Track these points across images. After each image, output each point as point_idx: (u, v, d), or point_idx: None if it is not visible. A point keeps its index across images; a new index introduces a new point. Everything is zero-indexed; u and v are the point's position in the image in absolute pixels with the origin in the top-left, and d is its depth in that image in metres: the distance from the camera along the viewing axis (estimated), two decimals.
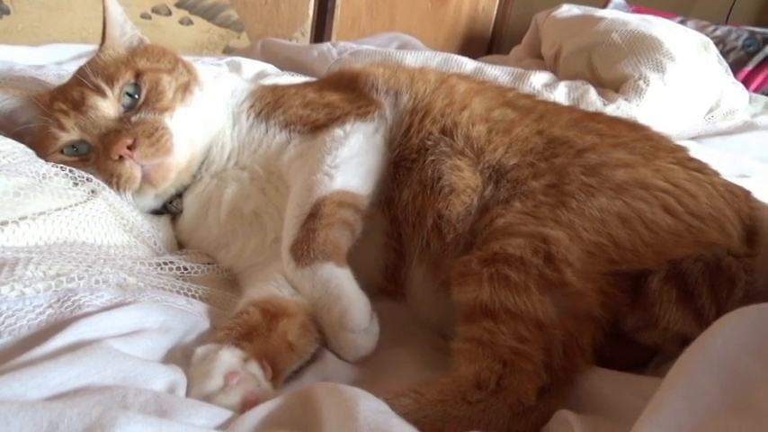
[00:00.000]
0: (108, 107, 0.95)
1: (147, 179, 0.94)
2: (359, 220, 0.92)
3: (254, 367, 0.69)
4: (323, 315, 0.81)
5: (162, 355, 0.70)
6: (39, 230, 0.81)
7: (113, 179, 0.93)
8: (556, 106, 1.10)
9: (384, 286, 0.97)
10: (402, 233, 0.95)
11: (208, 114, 1.04)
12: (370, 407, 0.56)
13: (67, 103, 0.95)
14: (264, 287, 0.85)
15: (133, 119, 0.94)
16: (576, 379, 0.72)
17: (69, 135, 0.94)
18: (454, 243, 0.88)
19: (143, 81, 0.98)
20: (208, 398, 0.63)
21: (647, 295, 0.77)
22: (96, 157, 0.94)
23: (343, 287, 0.81)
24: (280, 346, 0.75)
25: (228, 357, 0.68)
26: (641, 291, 0.77)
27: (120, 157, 0.91)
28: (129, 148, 0.90)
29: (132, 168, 0.92)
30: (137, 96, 0.97)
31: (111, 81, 0.96)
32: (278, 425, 0.57)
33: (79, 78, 0.98)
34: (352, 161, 0.93)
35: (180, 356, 0.71)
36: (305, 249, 0.84)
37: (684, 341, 0.75)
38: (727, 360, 0.54)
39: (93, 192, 0.91)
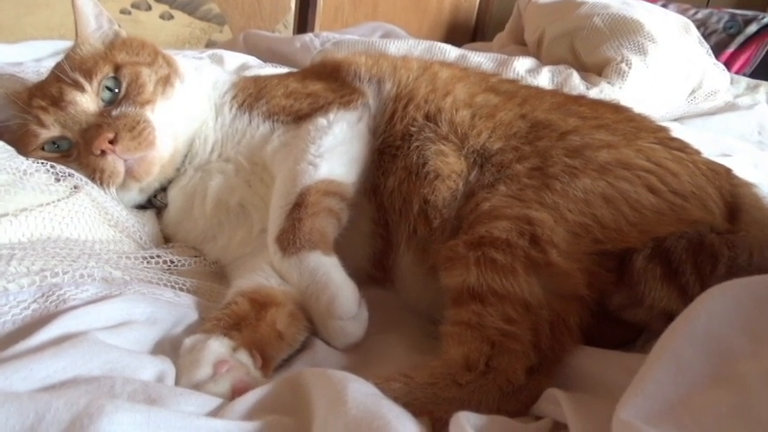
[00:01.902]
0: (87, 102, 0.94)
1: (130, 173, 0.93)
2: (345, 209, 0.91)
3: (243, 356, 0.69)
4: (311, 303, 0.81)
5: (150, 347, 0.69)
6: (21, 227, 0.80)
7: (96, 174, 0.92)
8: (538, 90, 1.11)
9: (372, 273, 0.97)
10: (389, 220, 0.95)
11: (190, 107, 1.03)
12: (360, 390, 0.56)
13: (46, 99, 0.93)
14: (252, 277, 0.85)
15: (114, 113, 0.93)
16: (564, 358, 0.73)
17: (49, 132, 0.93)
18: (441, 228, 0.88)
19: (122, 74, 0.97)
20: (197, 386, 0.63)
21: (633, 274, 0.77)
22: (78, 152, 0.93)
23: (330, 275, 0.81)
24: (269, 335, 0.75)
25: (217, 346, 0.68)
26: (626, 269, 0.78)
27: (103, 152, 0.90)
28: (111, 142, 0.89)
29: (115, 163, 0.91)
30: (116, 90, 0.96)
31: (89, 75, 0.95)
32: (268, 410, 0.57)
33: (57, 74, 0.96)
34: (336, 150, 0.93)
35: (168, 348, 0.70)
36: (291, 239, 0.84)
37: (670, 318, 0.76)
38: (711, 333, 0.54)
39: (75, 187, 0.90)
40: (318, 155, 0.91)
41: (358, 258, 0.95)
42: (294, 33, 2.86)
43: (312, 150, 0.92)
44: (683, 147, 0.92)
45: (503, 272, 0.73)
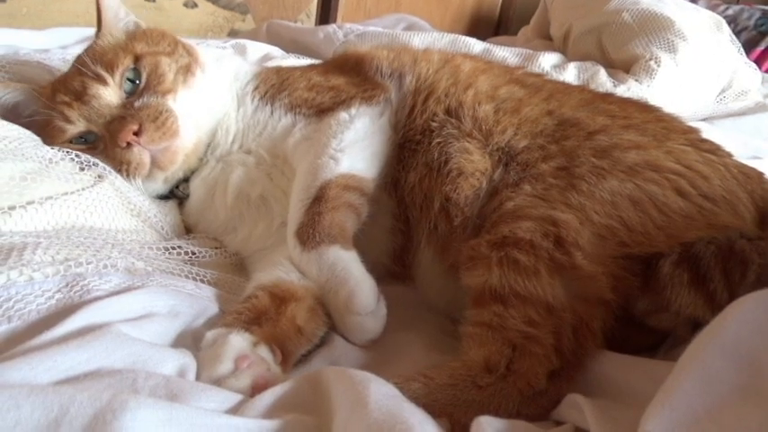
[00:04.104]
0: (110, 95, 0.94)
1: (155, 163, 0.93)
2: (365, 204, 0.91)
3: (263, 351, 0.69)
4: (330, 298, 0.81)
5: (171, 340, 0.70)
6: (46, 215, 0.81)
7: (123, 166, 0.92)
8: (565, 86, 1.09)
9: (391, 269, 0.97)
10: (409, 216, 0.95)
11: (211, 96, 1.03)
12: (381, 391, 0.56)
13: (69, 94, 0.94)
14: (272, 271, 0.85)
15: (136, 104, 0.93)
16: (587, 363, 0.72)
17: (75, 127, 0.94)
18: (462, 226, 0.87)
19: (142, 65, 0.97)
20: (218, 381, 0.63)
21: (659, 279, 0.76)
22: (104, 145, 0.94)
23: (349, 270, 0.81)
24: (288, 330, 0.75)
25: (238, 341, 0.68)
26: (653, 274, 0.77)
27: (128, 144, 0.90)
28: (136, 133, 0.90)
29: (141, 154, 0.92)
30: (137, 81, 0.96)
31: (110, 68, 0.95)
32: (288, 408, 0.57)
33: (79, 67, 0.96)
34: (357, 145, 0.93)
35: (189, 341, 0.71)
36: (310, 233, 0.83)
37: (696, 325, 0.75)
38: (741, 344, 0.53)
39: (99, 176, 0.91)
40: (339, 149, 0.91)
41: (377, 253, 0.95)
42: (316, 24, 2.85)
43: (333, 145, 0.92)
44: (714, 149, 0.90)
45: (526, 273, 0.72)
